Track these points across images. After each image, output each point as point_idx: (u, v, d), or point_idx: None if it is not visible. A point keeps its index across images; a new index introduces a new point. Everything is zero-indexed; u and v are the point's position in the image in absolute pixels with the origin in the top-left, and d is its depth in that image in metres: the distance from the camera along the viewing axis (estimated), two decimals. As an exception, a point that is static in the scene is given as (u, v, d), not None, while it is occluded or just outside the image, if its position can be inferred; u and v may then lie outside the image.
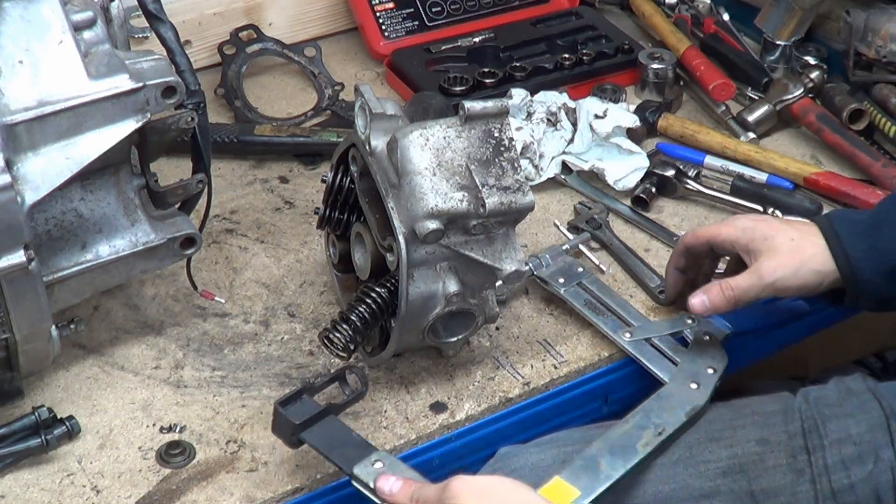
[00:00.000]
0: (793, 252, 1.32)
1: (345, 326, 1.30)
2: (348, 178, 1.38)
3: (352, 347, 1.30)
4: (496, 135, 1.28)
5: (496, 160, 1.27)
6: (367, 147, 1.29)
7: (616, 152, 1.68)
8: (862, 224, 1.33)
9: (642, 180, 1.67)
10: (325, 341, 1.31)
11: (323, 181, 1.42)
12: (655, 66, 1.87)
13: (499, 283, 1.32)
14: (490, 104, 1.28)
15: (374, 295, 1.31)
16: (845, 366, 2.41)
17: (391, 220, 1.25)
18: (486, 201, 1.23)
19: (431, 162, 1.25)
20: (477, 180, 1.25)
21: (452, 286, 1.28)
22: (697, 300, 1.35)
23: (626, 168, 1.67)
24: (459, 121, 1.27)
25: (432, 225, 1.24)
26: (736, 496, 1.28)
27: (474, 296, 1.31)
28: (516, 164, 1.27)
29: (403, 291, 1.27)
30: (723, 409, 1.37)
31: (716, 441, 1.32)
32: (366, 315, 1.30)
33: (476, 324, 1.33)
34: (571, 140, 1.70)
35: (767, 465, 1.31)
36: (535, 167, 1.68)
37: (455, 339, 1.34)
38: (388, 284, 1.31)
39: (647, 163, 1.68)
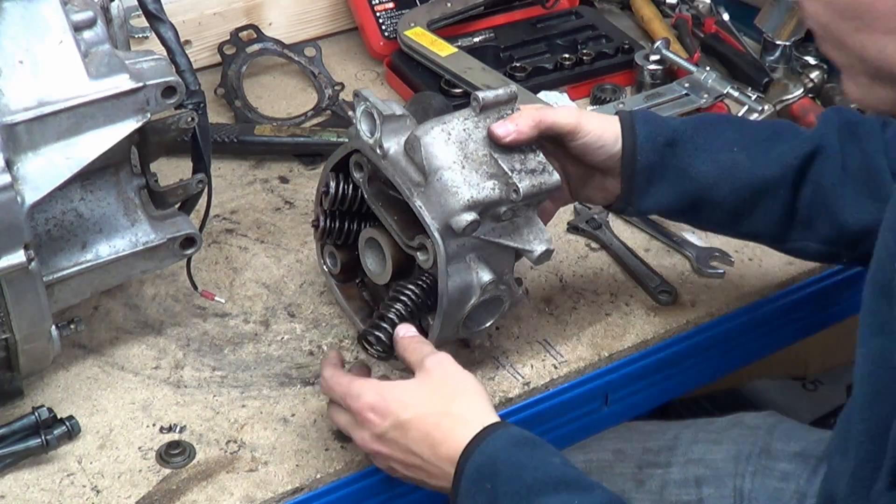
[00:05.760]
0: (601, 117, 1.34)
1: (384, 325, 1.30)
2: (350, 186, 1.38)
3: (392, 346, 1.30)
4: None
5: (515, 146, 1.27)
6: (379, 150, 1.28)
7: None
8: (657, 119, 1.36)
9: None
10: (365, 343, 1.30)
11: (324, 193, 1.40)
12: (651, 67, 1.87)
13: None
14: (501, 91, 1.28)
15: (408, 292, 1.31)
16: (846, 366, 2.42)
17: (423, 218, 1.25)
18: (519, 185, 1.24)
19: (458, 155, 1.25)
20: (504, 167, 1.25)
21: (486, 275, 1.28)
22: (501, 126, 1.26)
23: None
24: (474, 111, 1.27)
25: (469, 217, 1.24)
26: None
27: (502, 281, 1.31)
28: (535, 147, 1.27)
29: (444, 287, 1.27)
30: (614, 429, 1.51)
31: (579, 448, 1.47)
32: (403, 313, 1.30)
33: (503, 309, 1.33)
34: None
35: (615, 471, 1.46)
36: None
37: (484, 326, 1.34)
38: (420, 282, 1.31)
39: None
